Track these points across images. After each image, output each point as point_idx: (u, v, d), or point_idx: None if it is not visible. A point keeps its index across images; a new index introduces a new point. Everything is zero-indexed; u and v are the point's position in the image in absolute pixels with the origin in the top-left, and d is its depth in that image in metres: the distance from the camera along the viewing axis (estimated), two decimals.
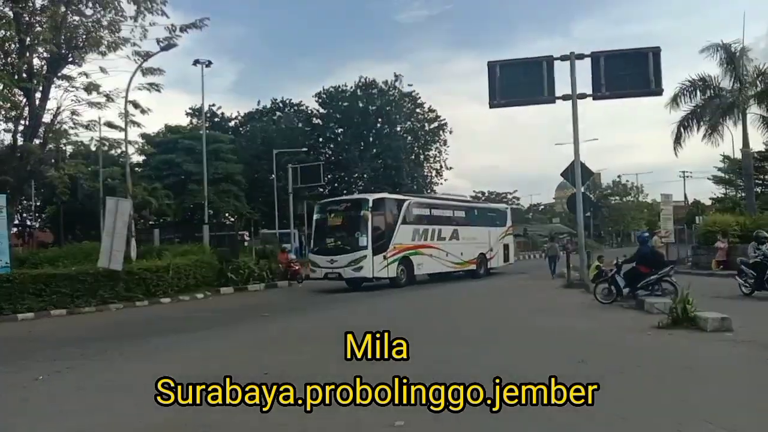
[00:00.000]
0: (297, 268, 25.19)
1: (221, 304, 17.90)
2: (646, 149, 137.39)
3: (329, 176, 47.70)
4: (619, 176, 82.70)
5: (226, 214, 45.34)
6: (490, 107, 19.82)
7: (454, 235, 25.04)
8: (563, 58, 19.15)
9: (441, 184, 57.08)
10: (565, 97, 19.15)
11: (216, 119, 53.53)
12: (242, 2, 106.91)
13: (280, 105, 55.13)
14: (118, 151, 27.10)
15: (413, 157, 52.86)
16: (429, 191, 55.25)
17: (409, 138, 53.43)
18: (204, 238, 24.34)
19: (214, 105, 54.77)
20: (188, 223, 39.93)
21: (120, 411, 6.20)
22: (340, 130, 52.44)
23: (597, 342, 9.41)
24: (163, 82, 21.52)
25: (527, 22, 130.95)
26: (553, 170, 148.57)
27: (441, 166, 55.71)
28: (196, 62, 29.72)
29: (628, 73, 18.86)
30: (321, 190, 47.42)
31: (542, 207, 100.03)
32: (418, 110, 54.65)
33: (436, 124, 55.06)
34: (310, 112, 54.70)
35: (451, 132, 55.38)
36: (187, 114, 53.18)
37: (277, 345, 10.31)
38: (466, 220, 26.51)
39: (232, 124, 55.24)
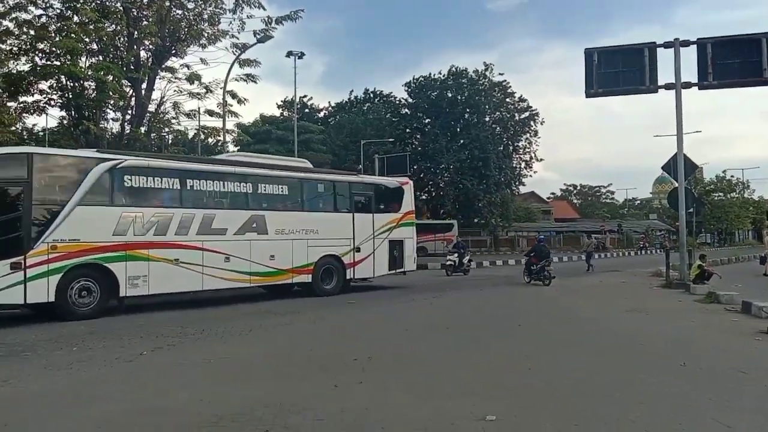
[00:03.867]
0: None
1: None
2: (753, 142, 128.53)
3: (415, 167, 47.60)
4: (724, 171, 77.75)
5: None
6: (587, 96, 19.04)
7: (253, 225, 14.73)
8: (666, 45, 18.13)
9: (531, 176, 55.72)
10: (668, 87, 18.14)
11: (306, 110, 54.75)
12: None
13: (371, 96, 55.60)
14: (217, 139, 28.18)
15: (502, 148, 51.85)
16: (517, 184, 54.07)
17: (498, 128, 52.44)
18: None
19: (305, 96, 56.00)
20: None
21: (210, 389, 6.43)
22: (427, 120, 52.17)
23: (703, 347, 8.91)
24: (258, 73, 22.27)
25: (623, 8, 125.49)
26: (649, 163, 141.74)
27: (531, 158, 54.35)
28: (289, 54, 30.51)
29: (737, 60, 17.58)
30: None
31: (638, 202, 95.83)
32: (508, 100, 53.49)
33: (526, 114, 53.71)
34: (398, 102, 54.83)
35: (542, 123, 53.86)
36: (279, 106, 54.65)
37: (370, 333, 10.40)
38: (290, 201, 15.99)
39: (321, 114, 56.35)
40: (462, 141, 49.65)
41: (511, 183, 52.62)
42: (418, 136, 52.78)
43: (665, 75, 18.21)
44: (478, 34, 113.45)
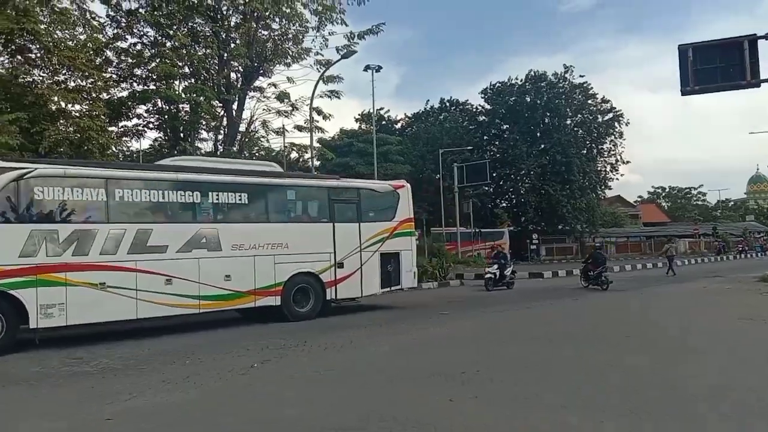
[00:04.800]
0: None
1: (398, 301, 18.30)
2: None
3: (494, 174, 46.98)
4: None
5: None
6: (683, 94, 18.25)
7: (202, 240, 12.56)
8: None
9: (617, 179, 53.78)
10: None
11: (383, 122, 55.15)
12: (403, 7, 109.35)
13: (447, 105, 55.44)
14: (304, 156, 28.85)
15: (585, 151, 50.37)
16: (602, 188, 52.27)
17: (581, 131, 51.01)
18: None
19: (381, 108, 56.46)
20: None
21: (324, 401, 6.48)
22: (506, 126, 51.51)
23: None
24: (342, 88, 22.70)
25: (705, 1, 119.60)
26: (741, 162, 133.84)
27: (616, 160, 52.51)
28: (366, 68, 30.82)
29: None
30: (486, 188, 46.99)
31: (732, 203, 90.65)
32: (590, 102, 52.00)
33: (610, 115, 51.99)
34: (475, 109, 54.39)
35: (627, 123, 51.97)
36: (357, 119, 55.33)
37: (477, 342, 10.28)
38: (250, 211, 13.76)
39: (398, 126, 56.60)
40: (543, 146, 48.62)
41: (596, 187, 51.00)
42: (497, 143, 52.12)
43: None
44: (551, 37, 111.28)
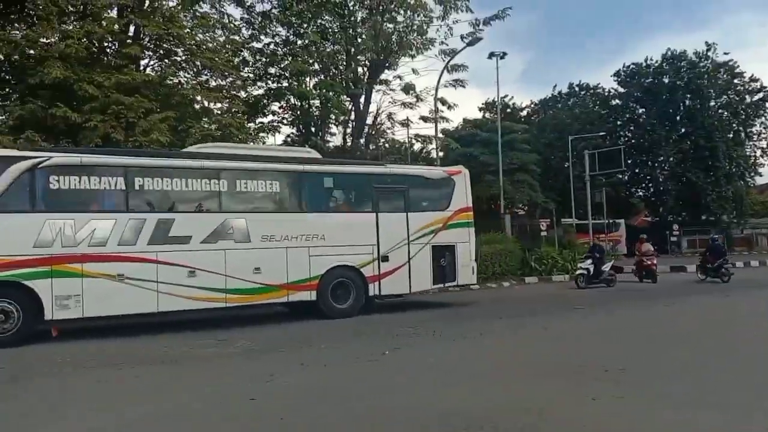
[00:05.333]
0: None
1: (529, 292, 17.86)
2: None
3: (629, 161, 44.44)
4: None
5: (520, 204, 45.46)
6: None
7: (229, 230, 11.93)
8: None
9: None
10: None
11: (508, 110, 53.96)
12: None
13: (576, 89, 53.22)
14: (428, 146, 28.89)
15: (731, 135, 46.30)
16: (752, 175, 47.91)
17: (726, 114, 46.96)
18: (506, 228, 24.57)
19: (506, 96, 55.28)
20: (485, 213, 40.98)
21: (455, 390, 6.40)
22: (641, 110, 48.57)
23: None
24: (466, 77, 22.47)
25: None
26: None
27: None
28: (491, 55, 30.19)
29: None
30: (620, 176, 44.57)
31: None
32: (736, 81, 47.71)
33: (760, 95, 47.39)
34: (607, 93, 51.77)
35: None
36: (480, 108, 54.54)
37: (608, 338, 9.80)
38: (283, 200, 13.20)
39: (524, 113, 55.17)
40: (683, 130, 45.37)
41: (745, 174, 46.77)
42: (632, 128, 49.32)
43: None
44: (689, 14, 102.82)
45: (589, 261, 19.15)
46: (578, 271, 19.27)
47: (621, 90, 49.35)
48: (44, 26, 15.91)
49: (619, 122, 49.48)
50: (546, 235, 25.26)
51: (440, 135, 23.49)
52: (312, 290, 12.62)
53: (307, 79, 22.12)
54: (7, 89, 18.11)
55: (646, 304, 14.68)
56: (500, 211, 28.22)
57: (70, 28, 16.38)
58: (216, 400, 6.40)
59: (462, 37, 21.70)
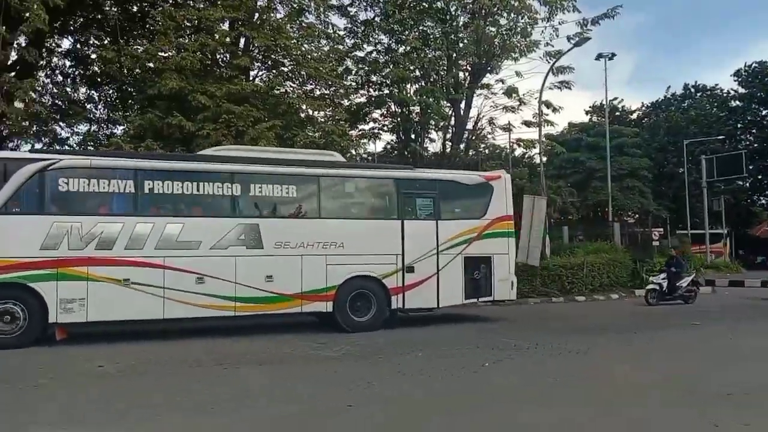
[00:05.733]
0: None
1: (639, 306, 16.85)
2: None
3: (751, 166, 41.22)
4: None
5: (630, 212, 43.38)
6: None
7: (240, 236, 11.41)
8: None
9: None
10: None
11: (617, 113, 51.66)
12: None
13: (691, 90, 50.14)
14: (531, 151, 28.19)
15: None
16: None
17: None
18: (615, 236, 23.42)
19: (614, 99, 52.99)
20: (591, 221, 39.45)
21: (570, 408, 6.05)
22: (765, 112, 45.08)
23: None
24: (573, 79, 21.70)
25: None
26: None
27: None
28: (599, 56, 29.05)
29: None
30: (741, 183, 41.46)
31: None
32: None
33: None
34: (726, 94, 48.40)
35: None
36: (587, 112, 52.60)
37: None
38: (299, 205, 12.39)
39: (633, 116, 52.65)
40: None
41: None
42: (754, 131, 45.94)
43: None
44: None
45: (663, 276, 17.19)
46: (649, 286, 17.32)
47: (742, 91, 46.08)
48: (162, 40, 16.95)
49: (739, 125, 46.19)
50: (658, 245, 23.77)
51: (544, 139, 22.72)
52: (328, 301, 11.85)
53: (408, 85, 22.18)
54: (129, 101, 19.46)
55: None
56: (608, 219, 26.98)
57: (186, 41, 17.33)
58: (312, 405, 6.43)
59: (568, 38, 20.92)
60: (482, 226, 13.12)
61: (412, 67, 21.66)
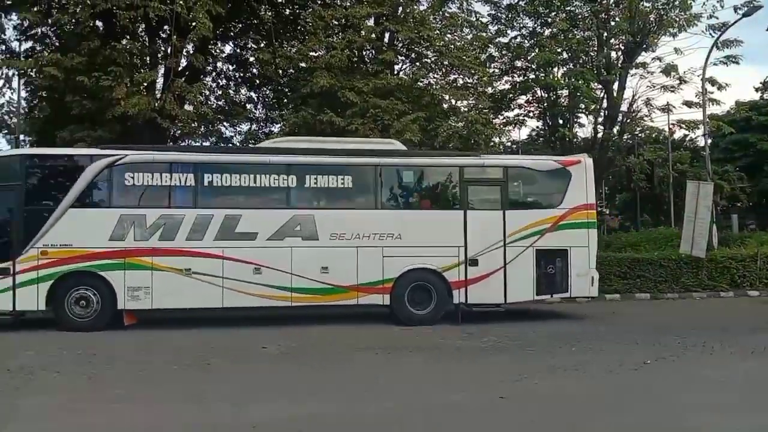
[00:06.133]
0: None
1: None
2: None
3: None
4: None
5: None
6: None
7: (296, 227, 11.43)
8: None
9: None
10: None
11: None
12: None
13: None
14: (694, 134, 26.02)
15: None
16: None
17: None
18: None
19: None
20: (764, 208, 35.79)
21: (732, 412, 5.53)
22: None
23: None
24: (741, 53, 19.72)
25: None
26: None
27: None
28: None
29: None
30: None
31: None
32: None
33: None
34: None
35: None
36: (757, 89, 47.47)
37: None
38: (356, 196, 12.32)
39: None
40: None
41: None
42: None
43: None
44: None
45: None
46: None
47: None
48: (313, 40, 17.71)
49: None
50: None
51: (708, 120, 20.79)
52: (385, 294, 11.63)
53: (555, 69, 21.34)
54: (284, 100, 20.59)
55: None
56: None
57: (334, 40, 17.95)
58: (469, 395, 6.44)
59: (735, 9, 18.91)
60: (557, 217, 12.11)
61: (559, 50, 20.78)
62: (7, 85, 19.60)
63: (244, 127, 21.91)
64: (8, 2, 17.29)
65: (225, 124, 21.27)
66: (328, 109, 16.64)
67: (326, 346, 9.49)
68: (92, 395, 6.57)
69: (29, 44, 18.93)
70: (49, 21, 17.15)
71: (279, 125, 19.98)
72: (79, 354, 8.78)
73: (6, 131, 20.93)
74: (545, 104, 22.23)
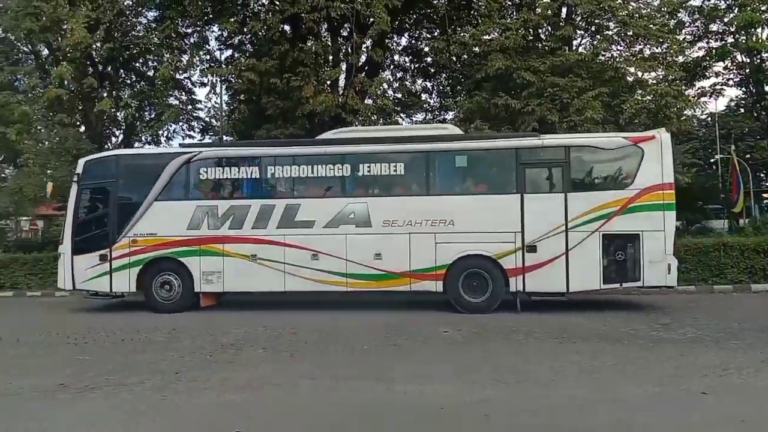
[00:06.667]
0: None
1: None
2: None
3: None
4: None
5: None
6: None
7: (350, 215, 11.76)
8: None
9: None
10: None
11: None
12: None
13: None
14: None
15: None
16: None
17: None
18: None
19: None
20: None
21: None
22: None
23: None
24: None
25: None
26: None
27: None
28: None
29: None
30: None
31: None
32: None
33: None
34: None
35: None
36: None
37: None
38: (407, 183, 12.08)
39: None
40: None
41: None
42: None
43: None
44: None
45: None
46: None
47: None
48: (487, 23, 17.58)
49: None
50: None
51: None
52: (438, 280, 11.58)
53: (759, 30, 19.03)
54: (458, 86, 20.70)
55: None
56: None
57: (509, 21, 17.65)
58: (668, 387, 6.11)
59: None
60: (627, 198, 11.14)
61: (763, 8, 18.52)
62: (213, 91, 21.87)
63: (420, 116, 22.44)
64: (210, 16, 19.33)
65: (401, 115, 21.95)
66: (503, 92, 16.45)
67: (510, 333, 9.47)
68: (292, 371, 7.18)
69: (229, 52, 21.06)
70: (245, 30, 18.89)
71: (453, 112, 20.17)
72: (280, 333, 9.69)
73: (212, 133, 23.42)
74: (747, 70, 19.96)
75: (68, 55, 18.81)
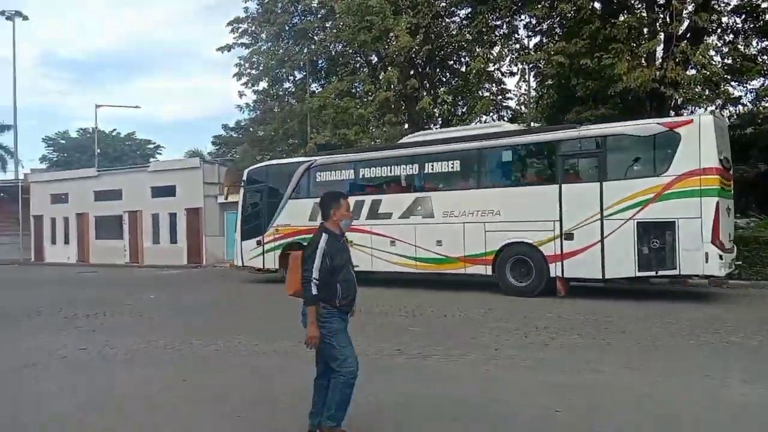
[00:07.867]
0: None
1: None
2: None
3: None
4: None
5: None
6: None
7: (418, 207, 14.00)
8: None
9: None
10: None
11: None
12: None
13: None
14: None
15: None
16: None
17: None
18: None
19: None
20: None
21: None
22: None
23: None
24: None
25: None
26: None
27: None
28: None
29: None
30: None
31: None
32: None
33: None
34: None
35: None
36: None
37: None
38: (462, 178, 13.86)
39: None
40: None
41: None
42: None
43: None
44: None
45: None
46: None
47: None
48: None
49: None
50: None
51: None
52: (487, 265, 12.95)
53: None
54: None
55: None
56: None
57: None
58: None
59: None
60: (662, 186, 10.99)
61: None
62: (522, 79, 22.13)
63: (756, 83, 19.34)
64: (518, 4, 19.52)
65: (732, 83, 19.21)
66: None
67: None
68: (612, 360, 7.00)
69: (537, 39, 21.00)
70: (553, 14, 18.62)
71: None
72: (596, 320, 9.56)
73: (520, 120, 23.77)
74: None
75: (394, 60, 20.93)
